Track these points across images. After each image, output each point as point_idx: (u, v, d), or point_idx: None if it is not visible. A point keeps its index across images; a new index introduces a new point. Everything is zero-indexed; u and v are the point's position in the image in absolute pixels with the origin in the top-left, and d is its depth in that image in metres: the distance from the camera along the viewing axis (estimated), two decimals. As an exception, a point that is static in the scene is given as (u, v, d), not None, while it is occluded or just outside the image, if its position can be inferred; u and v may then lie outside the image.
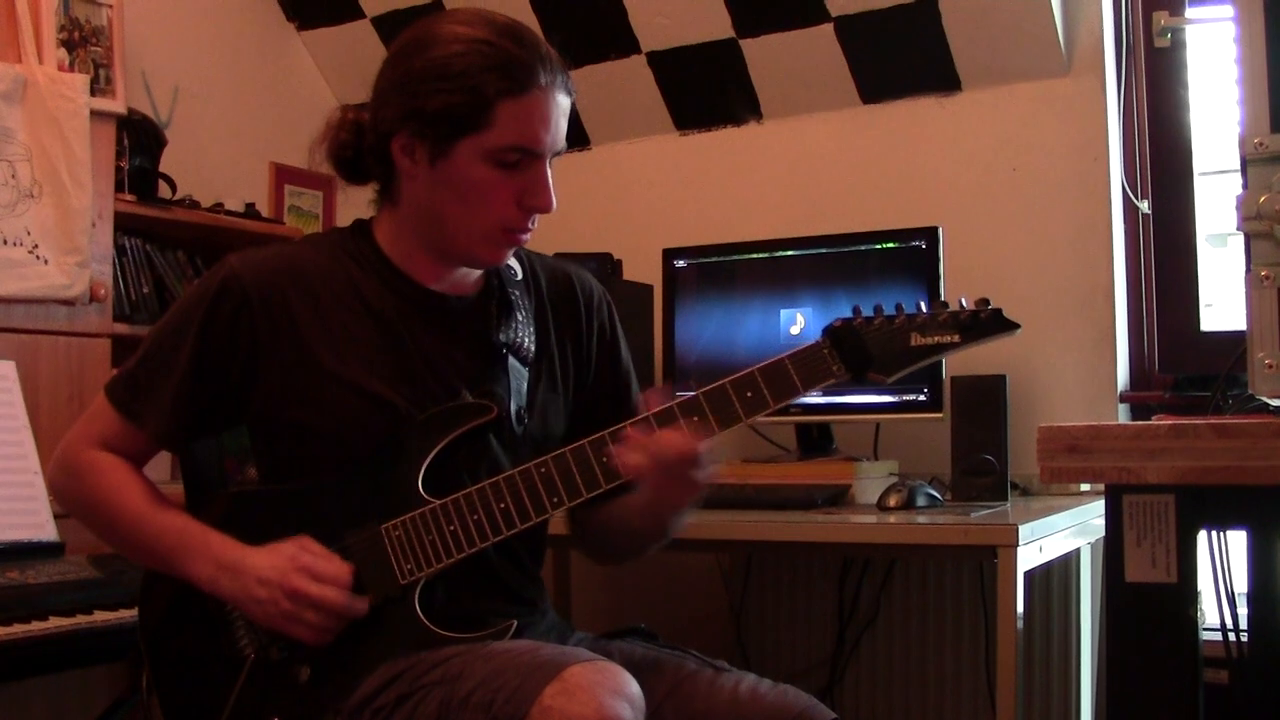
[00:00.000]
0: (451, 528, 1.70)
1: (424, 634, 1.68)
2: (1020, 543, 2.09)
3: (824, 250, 2.89)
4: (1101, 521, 1.61)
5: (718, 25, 3.24)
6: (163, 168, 3.14)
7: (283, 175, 3.58)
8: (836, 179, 3.23)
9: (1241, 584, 1.66)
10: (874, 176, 3.19)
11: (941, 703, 3.00)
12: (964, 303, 1.66)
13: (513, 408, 1.79)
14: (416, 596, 1.70)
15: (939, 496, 2.50)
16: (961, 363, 2.62)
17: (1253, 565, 1.62)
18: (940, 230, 2.76)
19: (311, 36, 3.73)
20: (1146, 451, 1.43)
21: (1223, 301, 3.01)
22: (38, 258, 2.63)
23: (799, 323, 2.85)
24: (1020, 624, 2.09)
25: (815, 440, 2.88)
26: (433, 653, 1.65)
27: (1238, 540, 1.67)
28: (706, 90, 3.37)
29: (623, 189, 3.51)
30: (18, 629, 2.06)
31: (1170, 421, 1.45)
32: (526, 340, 1.82)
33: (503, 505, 1.69)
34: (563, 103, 1.74)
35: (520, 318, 1.83)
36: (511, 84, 1.67)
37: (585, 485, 1.69)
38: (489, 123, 1.68)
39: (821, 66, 3.18)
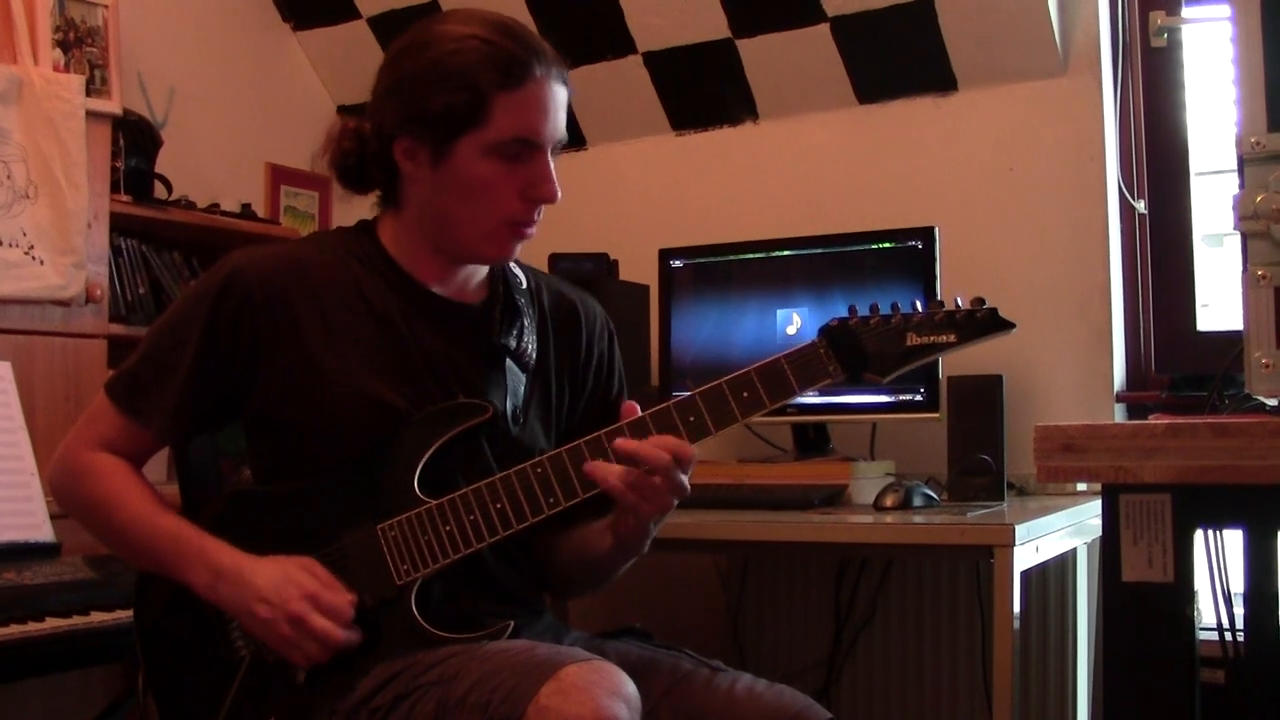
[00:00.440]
0: (448, 528, 1.69)
1: (420, 635, 1.68)
2: (1017, 542, 2.09)
3: (820, 250, 2.89)
4: (1098, 521, 1.61)
5: (714, 25, 3.24)
6: (158, 168, 3.14)
7: (278, 176, 3.57)
8: (833, 179, 3.23)
9: (1238, 583, 1.66)
10: (870, 176, 3.19)
11: (938, 703, 3.00)
12: (960, 302, 1.66)
13: (509, 408, 1.78)
14: (413, 597, 1.70)
15: (935, 496, 2.50)
16: (958, 363, 2.62)
17: (1249, 565, 1.62)
18: (937, 230, 2.76)
19: (307, 37, 3.73)
20: (1143, 451, 1.43)
21: (1219, 301, 3.01)
22: (33, 258, 2.62)
23: (795, 323, 2.85)
24: (1017, 624, 2.09)
25: (812, 440, 2.88)
26: (429, 653, 1.64)
27: (1234, 540, 1.66)
28: (703, 90, 3.36)
29: (619, 189, 3.51)
30: (14, 630, 2.06)
31: (1167, 421, 1.45)
32: (530, 347, 1.82)
33: (499, 506, 1.69)
34: (560, 94, 1.74)
35: (526, 324, 1.83)
36: (507, 77, 1.68)
37: (581, 486, 1.68)
38: (487, 118, 1.68)
39: (818, 66, 3.18)
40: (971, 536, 2.16)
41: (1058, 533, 2.35)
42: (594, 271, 3.04)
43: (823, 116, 3.26)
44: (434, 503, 1.70)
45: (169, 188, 3.16)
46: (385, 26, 3.51)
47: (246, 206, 3.38)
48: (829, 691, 3.09)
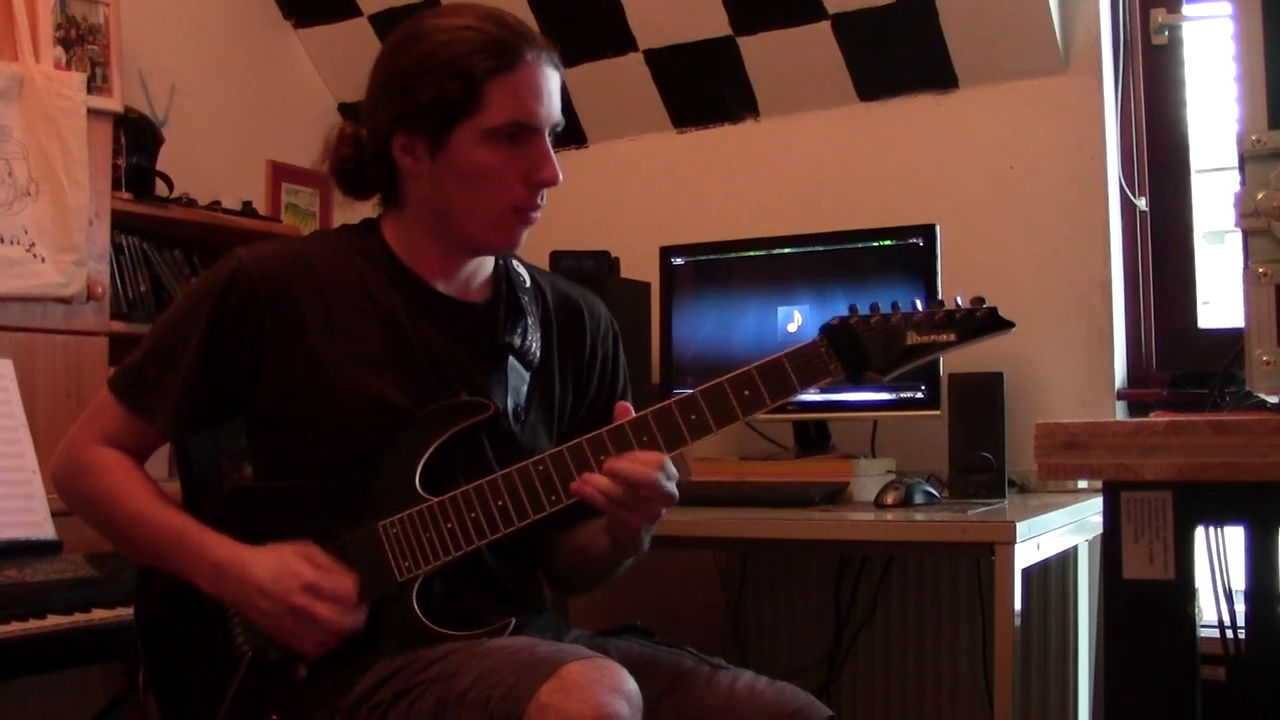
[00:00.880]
0: (449, 525, 1.70)
1: (421, 632, 1.68)
2: (1018, 540, 2.09)
3: (821, 248, 2.89)
4: (1099, 518, 1.61)
5: (715, 23, 3.24)
6: (159, 166, 3.13)
7: (279, 173, 3.57)
8: (834, 177, 3.23)
9: (1239, 581, 1.66)
10: (871, 174, 3.19)
11: (939, 700, 3.01)
12: (959, 301, 1.66)
13: (510, 406, 1.79)
14: (414, 594, 1.70)
15: (936, 494, 2.50)
16: (959, 360, 2.62)
17: (1250, 562, 1.62)
18: (937, 228, 2.76)
19: (308, 34, 3.73)
20: (1144, 448, 1.43)
21: (1220, 298, 3.01)
22: (35, 256, 2.62)
23: (796, 320, 2.85)
24: (1018, 621, 2.09)
25: (813, 438, 2.88)
26: (430, 650, 1.64)
27: (1235, 537, 1.67)
28: (704, 88, 3.36)
29: (620, 187, 3.51)
30: (15, 627, 2.06)
31: (1168, 418, 1.45)
32: (533, 345, 1.82)
33: (500, 503, 1.69)
34: (553, 77, 1.75)
35: (529, 322, 1.83)
36: (499, 61, 1.69)
37: None
38: (482, 104, 1.69)
39: (819, 64, 3.18)
40: (972, 534, 2.16)
41: (1059, 530, 2.35)
42: (595, 269, 3.04)
43: (824, 114, 3.26)
44: (435, 500, 1.70)
45: (170, 185, 3.16)
46: (386, 24, 3.51)
47: (247, 204, 3.38)
48: (830, 689, 3.09)
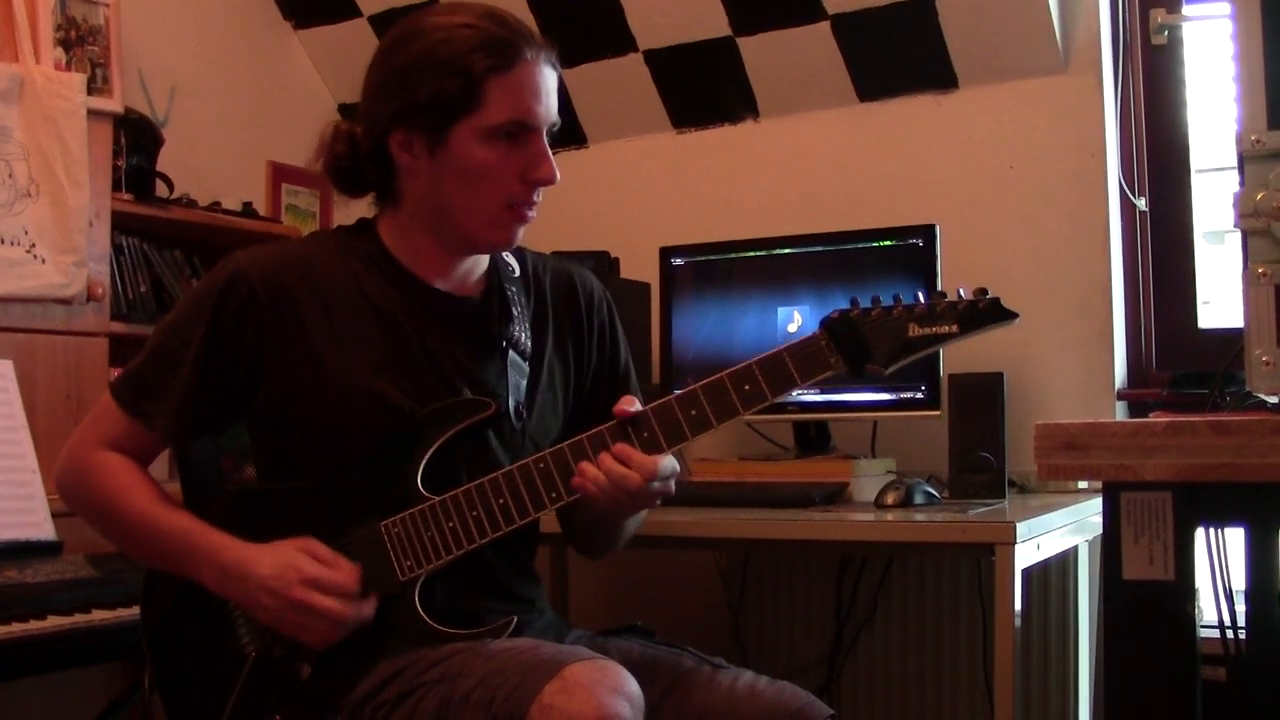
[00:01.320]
0: (451, 524, 1.70)
1: (424, 631, 1.69)
2: (1018, 540, 2.09)
3: (821, 248, 2.89)
4: (1099, 519, 1.61)
5: (715, 23, 3.24)
6: (160, 167, 3.13)
7: (280, 174, 3.57)
8: (833, 177, 3.23)
9: (1239, 581, 1.66)
10: (871, 174, 3.19)
11: (939, 700, 3.01)
12: (961, 293, 1.66)
13: (511, 404, 1.79)
14: (416, 593, 1.70)
15: (936, 494, 2.50)
16: (959, 360, 2.63)
17: (1250, 563, 1.62)
18: (937, 228, 2.76)
19: (308, 35, 3.73)
20: (1144, 449, 1.43)
21: (1220, 299, 3.01)
22: (35, 257, 2.62)
23: (796, 321, 2.85)
24: (1018, 621, 2.09)
25: (813, 438, 2.88)
26: (433, 650, 1.65)
27: (1235, 537, 1.67)
28: (703, 88, 3.36)
29: (620, 187, 3.51)
30: (16, 628, 2.05)
31: (1167, 419, 1.45)
32: (524, 337, 1.83)
33: (501, 501, 1.70)
34: (550, 76, 1.76)
35: (516, 313, 1.83)
36: (498, 60, 1.69)
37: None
38: (481, 102, 1.69)
39: (818, 64, 3.18)
40: (973, 534, 2.16)
41: (1059, 530, 2.35)
42: (595, 269, 3.03)
43: (823, 114, 3.26)
44: (437, 499, 1.71)
45: (170, 186, 3.16)
46: (386, 25, 3.48)
47: (248, 205, 3.38)
48: (830, 689, 3.10)
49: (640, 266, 3.14)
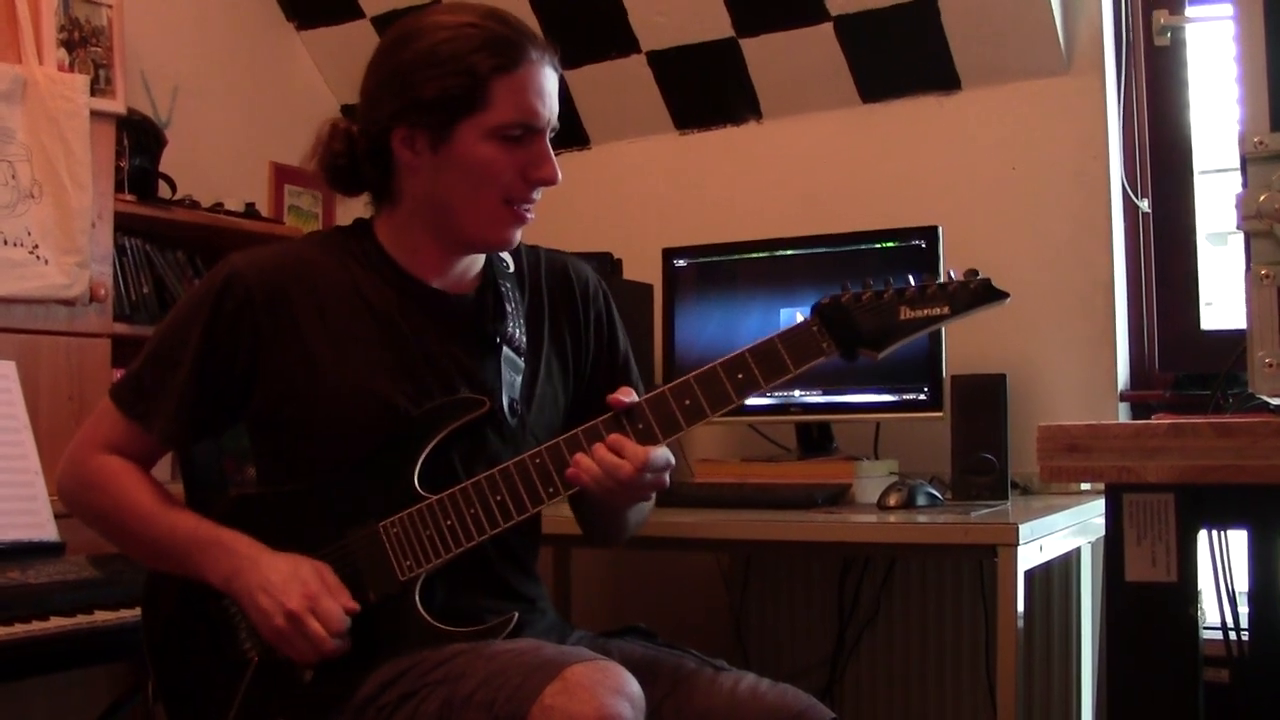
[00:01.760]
0: (449, 522, 1.70)
1: (426, 630, 1.69)
2: (1020, 542, 2.08)
3: (824, 250, 2.89)
4: (1102, 520, 1.61)
5: (717, 24, 3.24)
6: (162, 168, 3.14)
7: (282, 175, 3.58)
8: (836, 178, 3.23)
9: (1242, 583, 1.66)
10: (874, 176, 3.19)
11: (942, 702, 3.00)
12: (952, 274, 1.66)
13: (506, 400, 1.79)
14: (417, 593, 1.70)
15: (939, 496, 2.50)
16: (962, 361, 2.63)
17: (1253, 564, 1.62)
18: (940, 229, 2.76)
19: (311, 36, 3.73)
20: (1146, 451, 1.43)
21: (1223, 300, 3.01)
22: (38, 258, 2.63)
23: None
24: (1020, 623, 2.09)
25: (815, 439, 2.88)
26: (435, 651, 1.65)
27: (1238, 539, 1.67)
28: (706, 89, 3.36)
29: (622, 188, 3.51)
30: (18, 628, 2.06)
31: (1170, 420, 1.45)
32: (518, 332, 1.83)
33: (499, 498, 1.70)
34: (552, 77, 1.77)
35: (510, 310, 1.83)
36: (504, 60, 1.70)
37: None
38: (487, 101, 1.70)
39: (821, 66, 3.18)
40: (975, 536, 2.16)
41: (1061, 532, 2.35)
42: (597, 270, 3.03)
43: (826, 116, 3.26)
44: (434, 498, 1.71)
45: (173, 187, 3.16)
46: (389, 26, 3.50)
47: (250, 206, 3.38)
48: (832, 691, 3.09)
49: (643, 268, 3.14)
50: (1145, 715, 1.47)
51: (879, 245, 2.82)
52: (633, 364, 1.98)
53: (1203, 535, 1.52)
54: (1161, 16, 2.96)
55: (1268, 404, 1.58)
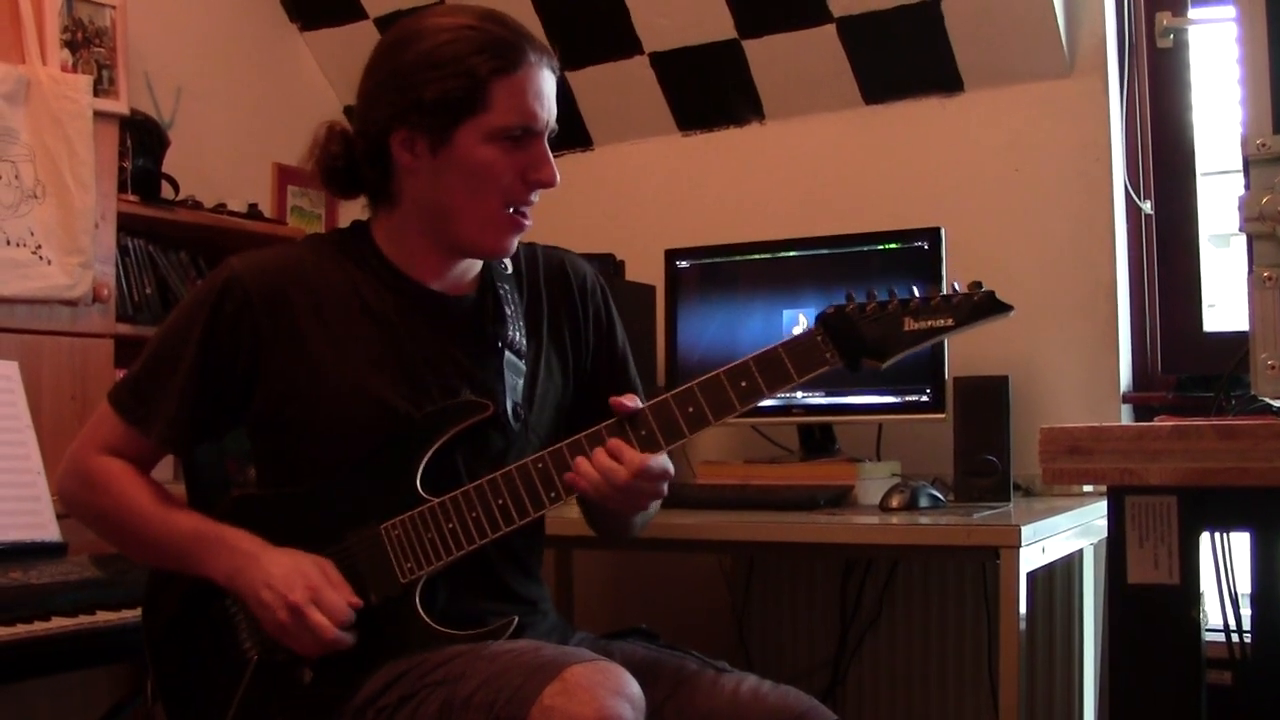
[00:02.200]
0: (450, 525, 1.70)
1: (426, 633, 1.69)
2: (1023, 544, 2.08)
3: (826, 251, 2.89)
4: (1104, 522, 1.61)
5: (720, 26, 3.24)
6: (165, 168, 3.14)
7: (285, 176, 3.58)
8: (839, 180, 3.23)
9: (1244, 585, 1.66)
10: (876, 177, 3.18)
11: (944, 704, 3.00)
12: (956, 286, 1.66)
13: (509, 404, 1.79)
14: (418, 596, 1.70)
15: (941, 497, 2.50)
16: (964, 363, 2.63)
17: (1256, 566, 1.62)
18: (943, 231, 2.75)
19: (314, 37, 3.73)
20: (1148, 453, 1.43)
21: (1225, 302, 3.00)
22: (41, 258, 2.63)
23: (801, 324, 2.85)
24: (1023, 625, 2.08)
25: (817, 441, 2.88)
26: (435, 653, 1.65)
27: (1241, 541, 1.67)
28: (709, 91, 3.36)
29: (625, 190, 3.51)
30: (20, 629, 2.06)
31: (1172, 423, 1.45)
32: (517, 335, 1.83)
33: (500, 501, 1.70)
34: (551, 80, 1.77)
35: (509, 312, 1.83)
36: (503, 62, 1.70)
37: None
38: (487, 104, 1.70)
39: (824, 67, 3.18)
40: (977, 537, 2.16)
41: (1064, 534, 2.35)
42: (600, 272, 3.03)
43: (829, 117, 3.25)
44: (436, 501, 1.71)
45: (176, 188, 3.17)
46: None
47: (253, 206, 3.38)
48: (834, 692, 3.09)
49: (645, 269, 3.14)
50: (1147, 717, 1.47)
51: (882, 247, 2.82)
52: (630, 359, 1.98)
53: (1205, 537, 1.51)
54: (1164, 19, 2.97)
55: (1270, 406, 1.58)
